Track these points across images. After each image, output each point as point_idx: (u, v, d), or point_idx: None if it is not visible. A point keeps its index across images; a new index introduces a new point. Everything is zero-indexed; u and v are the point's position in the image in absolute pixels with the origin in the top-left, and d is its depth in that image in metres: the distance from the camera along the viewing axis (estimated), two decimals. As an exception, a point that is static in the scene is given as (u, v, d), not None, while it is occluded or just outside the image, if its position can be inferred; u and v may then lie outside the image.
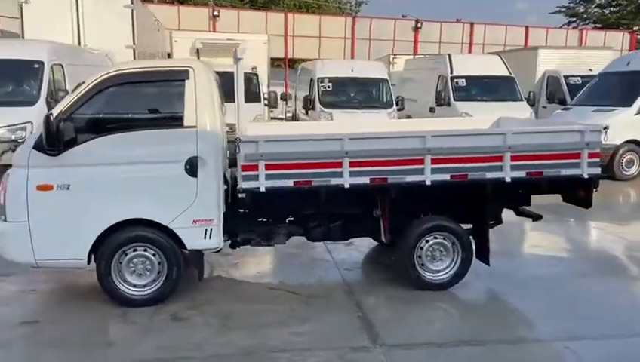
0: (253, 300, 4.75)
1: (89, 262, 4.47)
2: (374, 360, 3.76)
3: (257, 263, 5.71)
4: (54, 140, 4.17)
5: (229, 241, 5.00)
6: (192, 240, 4.54)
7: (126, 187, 4.41)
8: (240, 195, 4.56)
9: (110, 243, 4.45)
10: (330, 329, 4.21)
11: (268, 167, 4.50)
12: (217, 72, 5.03)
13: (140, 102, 4.69)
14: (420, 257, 4.93)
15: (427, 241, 4.94)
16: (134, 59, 13.89)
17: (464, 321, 4.49)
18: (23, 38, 12.93)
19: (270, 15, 27.43)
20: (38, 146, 4.27)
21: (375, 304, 4.76)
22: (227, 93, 13.09)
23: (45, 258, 4.41)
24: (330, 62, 15.20)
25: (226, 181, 4.79)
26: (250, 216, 5.02)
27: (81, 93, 4.37)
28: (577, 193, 5.07)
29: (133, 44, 13.84)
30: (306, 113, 13.82)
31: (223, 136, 4.85)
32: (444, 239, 4.96)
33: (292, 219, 5.16)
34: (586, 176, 4.84)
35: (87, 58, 11.15)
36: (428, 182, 4.69)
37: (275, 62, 28.75)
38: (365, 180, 4.64)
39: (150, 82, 4.58)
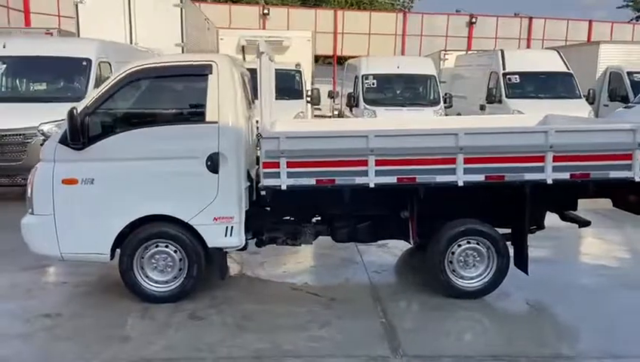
0: (274, 301, 4.62)
1: (112, 257, 4.47)
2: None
3: (284, 263, 5.57)
4: (78, 134, 4.19)
5: (255, 239, 4.91)
6: (213, 237, 4.45)
7: (148, 183, 4.37)
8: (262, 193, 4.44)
9: (132, 239, 4.43)
10: (349, 335, 4.01)
11: (290, 165, 4.34)
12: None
13: (164, 96, 4.66)
14: (451, 262, 4.65)
15: (459, 246, 4.65)
16: (183, 57, 14.13)
17: (496, 334, 4.18)
18: (78, 36, 13.38)
19: (320, 12, 27.37)
20: (63, 140, 4.30)
21: (401, 310, 4.53)
22: (279, 90, 13.05)
23: (70, 251, 4.45)
24: (376, 58, 14.93)
25: (250, 178, 4.68)
26: (275, 215, 4.91)
27: (106, 87, 4.37)
28: (628, 198, 4.64)
29: (182, 42, 14.06)
30: (350, 111, 13.63)
31: (248, 133, 4.75)
32: (478, 244, 4.65)
33: (319, 218, 5.01)
34: (637, 180, 4.41)
35: (136, 56, 11.38)
36: (460, 183, 4.40)
37: (325, 60, 28.75)
38: (392, 180, 4.41)
39: (174, 77, 4.53)
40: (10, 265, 5.24)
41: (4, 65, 9.08)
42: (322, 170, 4.38)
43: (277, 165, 4.33)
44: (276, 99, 12.49)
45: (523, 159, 4.41)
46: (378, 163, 4.37)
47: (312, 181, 4.38)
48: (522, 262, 4.70)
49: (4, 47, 9.03)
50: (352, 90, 13.71)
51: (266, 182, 4.38)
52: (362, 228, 4.88)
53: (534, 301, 4.72)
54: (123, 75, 4.36)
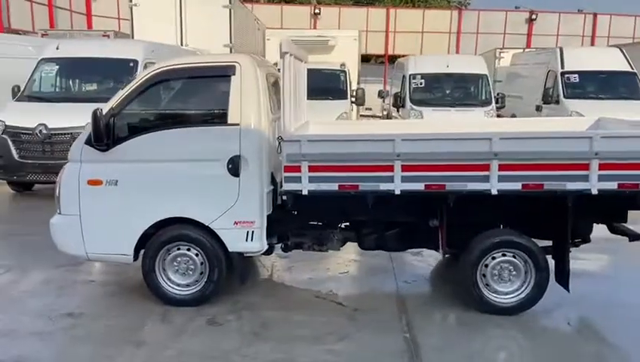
0: (295, 309, 4.48)
1: (136, 258, 4.47)
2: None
3: (312, 269, 5.41)
4: (102, 136, 4.20)
5: (281, 244, 4.80)
6: (233, 242, 4.36)
7: (169, 185, 4.34)
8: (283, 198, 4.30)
9: (155, 241, 4.41)
10: (368, 349, 3.82)
11: (311, 169, 4.19)
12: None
13: (187, 98, 4.62)
14: (484, 276, 4.36)
15: (494, 258, 4.34)
16: (231, 58, 14.30)
17: (532, 357, 3.86)
18: (132, 38, 13.80)
19: (372, 11, 27.04)
20: (88, 141, 4.33)
21: (428, 325, 4.27)
22: (315, 89, 13.02)
23: (95, 251, 4.48)
24: (424, 57, 14.51)
25: (274, 181, 4.56)
26: (300, 219, 4.76)
27: (131, 89, 4.36)
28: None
29: (230, 42, 14.22)
30: (397, 111, 13.31)
31: (274, 135, 4.62)
32: (514, 257, 4.33)
33: (347, 224, 4.83)
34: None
35: (182, 56, 11.55)
36: (494, 191, 4.11)
37: (378, 59, 28.41)
38: (419, 186, 4.17)
39: (197, 78, 4.47)
40: (47, 262, 5.36)
41: (57, 67, 9.45)
42: (345, 175, 4.20)
43: (298, 169, 4.19)
44: (319, 99, 12.47)
45: (565, 167, 4.06)
46: (405, 168, 4.14)
47: (335, 186, 4.21)
48: (563, 278, 4.34)
49: (57, 48, 9.38)
50: (399, 90, 13.39)
51: (287, 186, 4.24)
52: (390, 236, 4.67)
53: (576, 320, 4.36)
54: (147, 76, 4.34)
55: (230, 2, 14.20)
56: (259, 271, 5.41)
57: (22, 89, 8.98)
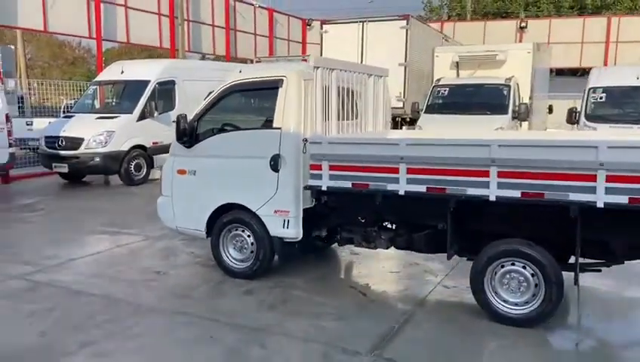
0: (323, 293, 5.04)
1: (208, 234, 5.61)
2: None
3: (369, 265, 5.89)
4: (183, 135, 5.45)
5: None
6: (274, 227, 5.18)
7: (229, 176, 5.36)
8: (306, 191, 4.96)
9: (219, 221, 5.49)
10: (350, 329, 4.23)
11: (331, 168, 4.76)
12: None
13: (247, 106, 5.61)
14: (492, 283, 4.33)
15: (502, 266, 4.29)
16: (405, 75, 15.09)
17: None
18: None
19: (589, 21, 24.57)
20: (177, 139, 5.63)
21: (425, 321, 4.44)
22: (474, 104, 12.91)
23: (181, 226, 5.78)
24: (614, 68, 12.96)
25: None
26: (340, 216, 5.29)
27: (209, 99, 5.54)
28: None
29: (405, 61, 14.98)
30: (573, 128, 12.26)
31: None
32: (523, 268, 4.21)
33: (384, 224, 5.20)
34: None
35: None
36: (492, 198, 4.11)
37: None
38: (422, 188, 4.40)
39: (254, 90, 5.42)
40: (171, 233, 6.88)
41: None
42: (358, 175, 4.66)
43: (320, 167, 4.81)
44: (477, 114, 12.31)
45: (568, 177, 3.85)
46: (409, 171, 4.42)
47: (349, 184, 4.71)
48: None
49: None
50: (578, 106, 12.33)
51: (311, 182, 4.89)
52: (416, 238, 4.91)
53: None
54: (219, 89, 5.46)
55: (407, 24, 14.99)
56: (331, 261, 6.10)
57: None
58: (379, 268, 5.86)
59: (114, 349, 3.90)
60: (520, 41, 24.23)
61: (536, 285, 4.18)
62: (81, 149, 11.11)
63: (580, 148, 3.88)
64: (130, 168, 11.43)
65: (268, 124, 5.21)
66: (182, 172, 5.67)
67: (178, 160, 5.71)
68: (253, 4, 22.15)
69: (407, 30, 14.99)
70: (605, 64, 24.08)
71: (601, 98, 11.96)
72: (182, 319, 4.46)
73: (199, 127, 5.54)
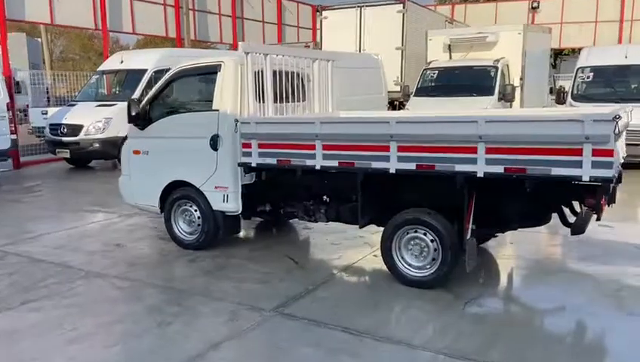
0: (257, 261, 5.48)
1: (162, 209, 6.10)
2: (253, 321, 4.08)
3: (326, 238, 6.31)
4: (134, 118, 5.93)
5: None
6: (215, 202, 5.63)
7: (175, 156, 5.82)
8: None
9: (170, 197, 5.97)
10: (266, 291, 4.65)
11: (260, 146, 5.16)
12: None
13: (190, 90, 6.05)
14: (399, 249, 4.68)
15: (407, 233, 4.64)
16: (402, 59, 15.30)
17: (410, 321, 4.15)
18: (321, 48, 15.95)
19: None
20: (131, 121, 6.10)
21: (342, 283, 4.83)
22: (461, 86, 13.00)
23: (139, 201, 6.31)
24: (604, 48, 12.89)
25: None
26: (279, 191, 5.68)
27: (160, 83, 5.99)
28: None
29: (402, 45, 15.17)
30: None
31: None
32: (424, 234, 4.55)
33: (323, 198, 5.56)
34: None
35: (358, 61, 12.74)
36: (392, 170, 4.46)
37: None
38: (334, 163, 4.76)
39: (197, 75, 5.86)
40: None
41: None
42: (281, 152, 5.05)
43: (250, 146, 5.21)
44: (463, 95, 12.46)
45: (453, 150, 4.16)
46: (325, 147, 4.79)
47: (274, 161, 5.10)
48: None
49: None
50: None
51: (242, 159, 5.30)
52: (343, 210, 5.27)
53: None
54: (166, 76, 5.91)
55: (404, 7, 15.13)
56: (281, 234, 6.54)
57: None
58: (322, 241, 6.25)
59: (49, 306, 4.42)
60: (532, 22, 23.95)
61: (435, 250, 4.51)
62: (81, 135, 11.79)
63: (463, 124, 4.17)
64: (128, 153, 12.11)
65: (208, 106, 5.64)
66: (137, 152, 6.16)
67: (133, 141, 6.20)
68: (260, -7, 22.58)
69: (403, 14, 15.12)
70: (620, 42, 23.60)
71: (588, 77, 12.00)
72: (121, 283, 4.96)
73: (151, 110, 6.01)
